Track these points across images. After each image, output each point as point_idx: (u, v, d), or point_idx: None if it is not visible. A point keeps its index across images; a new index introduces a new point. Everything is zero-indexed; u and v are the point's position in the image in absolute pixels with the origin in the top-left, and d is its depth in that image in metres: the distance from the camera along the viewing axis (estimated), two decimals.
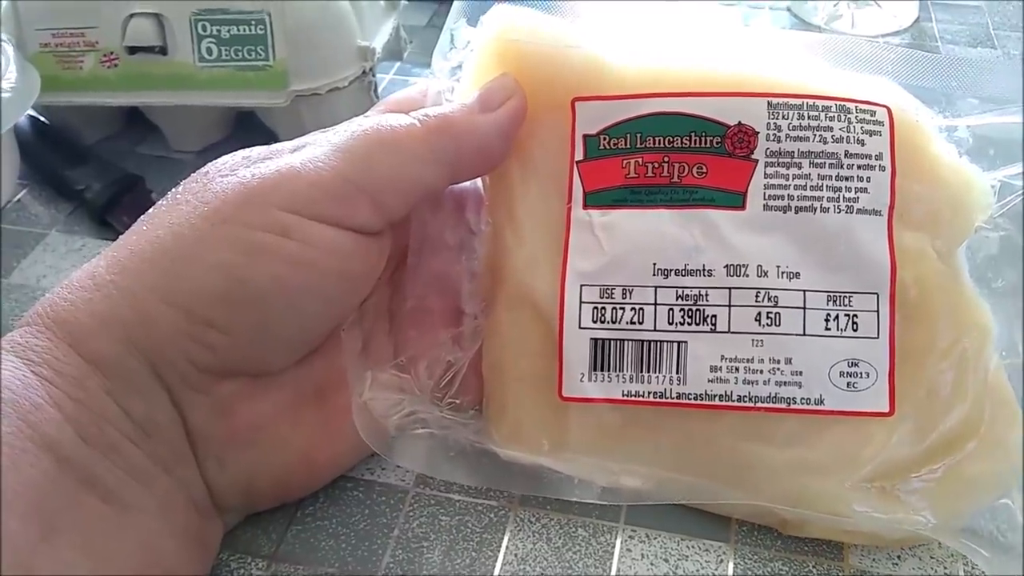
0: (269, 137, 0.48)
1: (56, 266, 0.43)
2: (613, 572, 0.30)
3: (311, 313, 0.30)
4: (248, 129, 0.50)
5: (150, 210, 0.29)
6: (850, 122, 0.30)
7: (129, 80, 0.44)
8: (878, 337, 0.30)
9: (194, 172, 0.30)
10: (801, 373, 0.30)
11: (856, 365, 0.30)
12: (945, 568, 0.30)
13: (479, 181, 0.33)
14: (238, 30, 0.42)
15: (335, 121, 0.31)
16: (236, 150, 0.31)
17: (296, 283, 0.28)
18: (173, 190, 0.30)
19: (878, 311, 0.30)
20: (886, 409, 0.30)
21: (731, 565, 0.31)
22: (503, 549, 0.31)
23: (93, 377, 0.27)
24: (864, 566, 0.30)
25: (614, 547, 0.31)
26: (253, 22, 0.42)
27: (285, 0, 0.42)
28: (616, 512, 0.32)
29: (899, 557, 0.31)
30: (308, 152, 0.29)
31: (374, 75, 0.46)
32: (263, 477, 0.31)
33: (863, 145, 0.30)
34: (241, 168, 0.29)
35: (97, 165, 0.47)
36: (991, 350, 0.30)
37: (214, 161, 0.30)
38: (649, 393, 0.30)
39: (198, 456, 0.29)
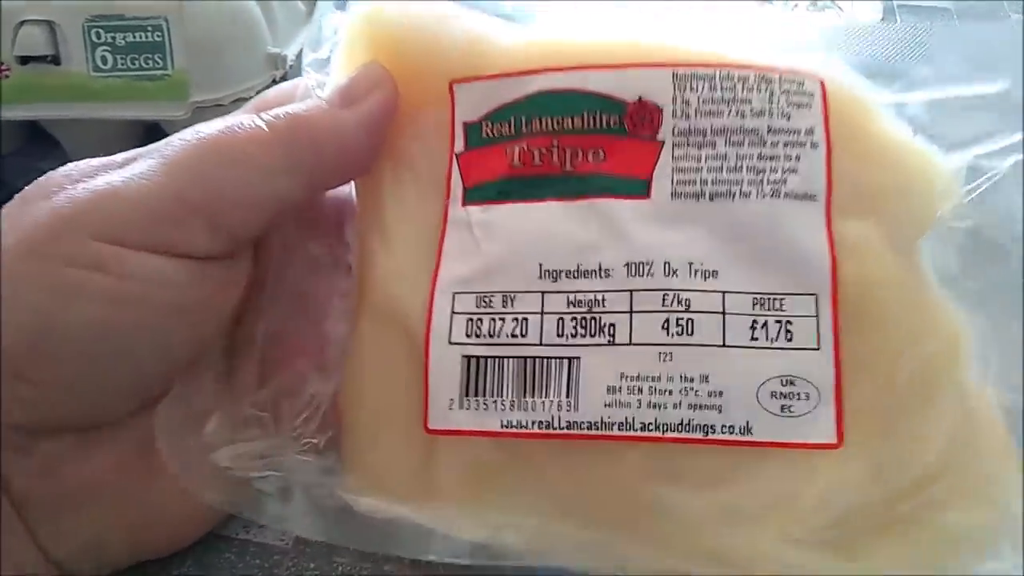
0: None
1: None
2: None
3: (143, 356, 0.25)
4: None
5: None
6: (772, 93, 0.25)
7: (22, 92, 0.41)
8: (819, 348, 0.24)
9: None
10: (721, 394, 0.24)
11: (792, 384, 0.23)
12: None
13: (352, 186, 0.29)
14: (134, 37, 0.40)
15: None
16: None
17: (117, 325, 0.24)
18: None
19: (817, 316, 0.24)
20: (832, 439, 0.23)
21: None
22: None
23: None
24: None
25: None
26: (150, 28, 0.40)
27: (184, 4, 0.40)
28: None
29: None
30: (134, 167, 0.25)
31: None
32: (112, 538, 0.26)
33: (789, 119, 0.25)
34: (60, 191, 0.25)
35: None
36: (965, 364, 0.24)
37: (38, 180, 0.26)
38: (534, 423, 0.24)
39: (28, 523, 0.25)
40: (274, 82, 0.43)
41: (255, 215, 0.26)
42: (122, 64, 0.41)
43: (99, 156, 0.26)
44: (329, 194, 0.29)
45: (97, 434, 0.26)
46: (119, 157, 0.26)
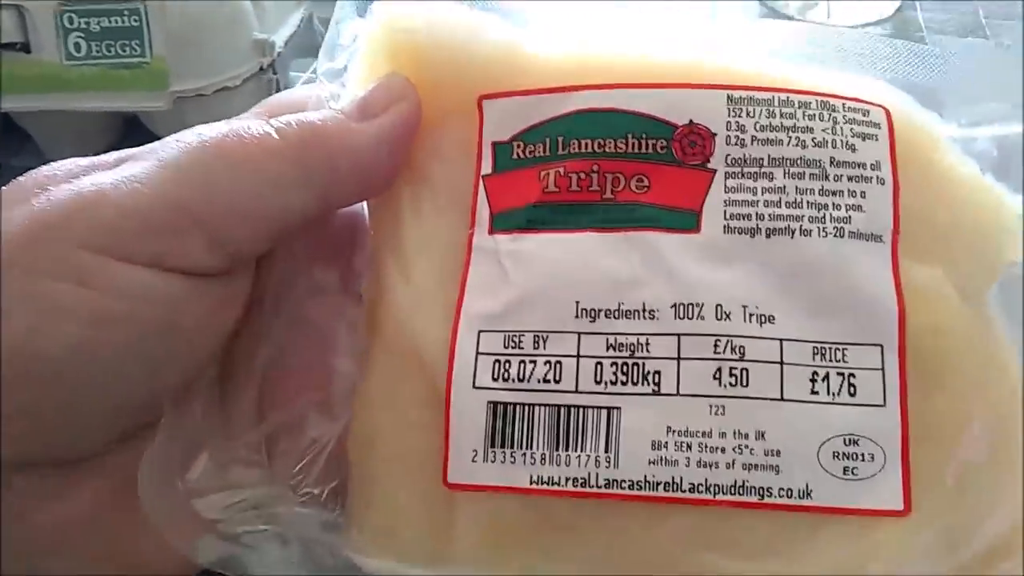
0: None
1: None
2: None
3: (130, 382, 0.22)
4: (138, 136, 0.43)
5: None
6: (836, 122, 0.23)
7: None
8: (884, 405, 0.21)
9: None
10: (779, 453, 0.21)
11: (856, 443, 0.21)
12: None
13: (365, 205, 0.26)
14: (109, 23, 0.37)
15: None
16: None
17: (104, 348, 0.21)
18: None
19: (883, 369, 0.22)
20: (899, 506, 0.21)
21: None
22: None
23: None
24: None
25: None
26: (126, 13, 0.37)
27: None
28: None
29: None
30: (127, 169, 0.22)
31: (275, 72, 0.40)
32: None
33: (854, 151, 0.23)
34: (41, 192, 0.22)
35: None
36: None
37: (17, 179, 0.23)
38: (567, 479, 0.22)
39: None
40: (261, 70, 0.40)
41: (263, 230, 0.23)
42: (97, 52, 0.38)
43: (74, 150, 0.23)
44: (338, 213, 0.26)
45: (75, 469, 0.23)
46: (110, 157, 0.23)
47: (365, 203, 0.26)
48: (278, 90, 0.41)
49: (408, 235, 0.24)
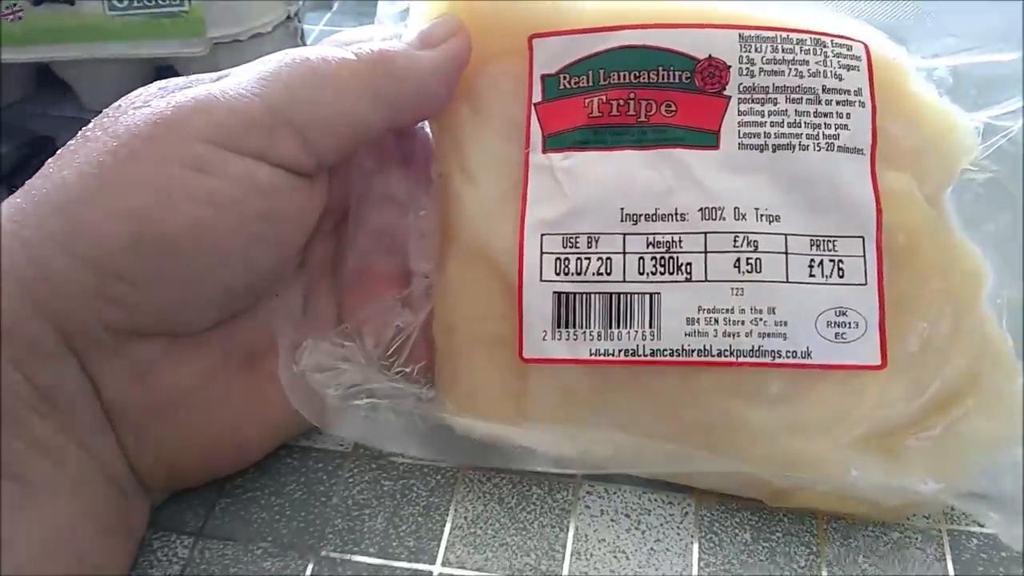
0: None
1: None
2: (571, 531, 0.27)
3: (235, 262, 0.26)
4: None
5: (59, 150, 0.26)
6: (826, 56, 0.28)
7: (36, 34, 0.40)
8: (866, 284, 0.27)
9: None
10: (786, 323, 0.27)
11: (844, 314, 0.27)
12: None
13: (428, 131, 0.31)
14: None
15: None
16: None
17: (217, 227, 0.25)
18: (84, 127, 0.26)
19: (864, 256, 0.27)
20: (878, 362, 0.27)
21: (697, 516, 0.28)
22: (451, 512, 0.28)
23: None
24: None
25: (572, 504, 0.28)
26: None
27: None
28: None
29: None
30: (230, 80, 0.26)
31: (300, 20, 0.43)
32: (189, 451, 0.28)
33: (841, 80, 0.28)
34: (156, 99, 0.26)
35: (6, 129, 0.42)
36: (985, 297, 0.28)
37: (127, 95, 0.27)
38: (620, 351, 0.27)
39: (115, 428, 0.26)
40: (288, 18, 0.43)
41: (340, 136, 0.27)
42: (138, 2, 0.40)
43: (111, 98, 0.27)
44: (402, 138, 0.31)
45: (186, 342, 0.27)
46: (210, 76, 0.27)
47: (429, 129, 0.30)
48: (302, 36, 0.44)
49: (471, 154, 0.29)
